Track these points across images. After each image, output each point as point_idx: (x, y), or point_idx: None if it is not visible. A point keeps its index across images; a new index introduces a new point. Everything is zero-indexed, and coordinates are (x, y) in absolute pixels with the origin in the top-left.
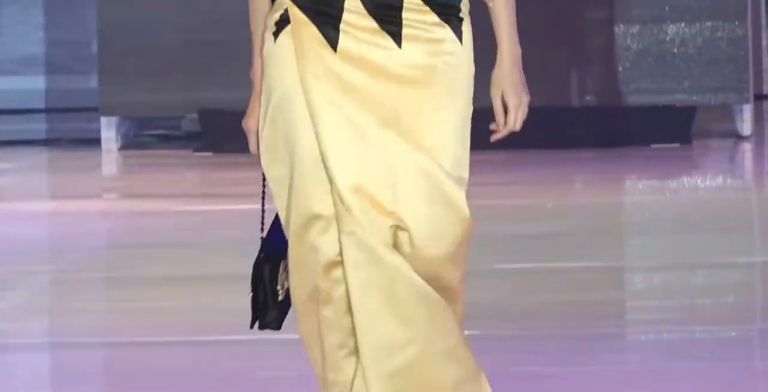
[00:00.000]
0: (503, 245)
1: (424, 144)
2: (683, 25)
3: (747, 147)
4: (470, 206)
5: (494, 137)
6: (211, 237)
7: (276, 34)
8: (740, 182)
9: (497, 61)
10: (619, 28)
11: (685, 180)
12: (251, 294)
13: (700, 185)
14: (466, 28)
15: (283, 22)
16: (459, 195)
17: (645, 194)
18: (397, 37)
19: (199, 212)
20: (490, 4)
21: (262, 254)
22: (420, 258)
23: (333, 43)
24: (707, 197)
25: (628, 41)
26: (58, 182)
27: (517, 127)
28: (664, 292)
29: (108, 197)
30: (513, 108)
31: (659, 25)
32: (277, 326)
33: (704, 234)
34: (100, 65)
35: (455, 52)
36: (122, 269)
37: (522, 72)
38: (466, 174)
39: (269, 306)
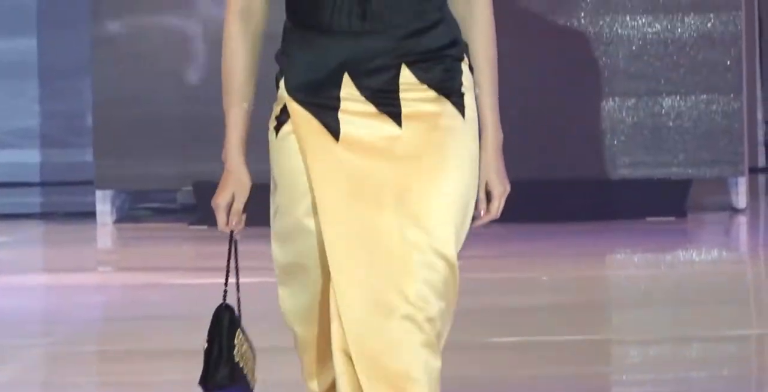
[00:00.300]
0: (495, 319)
1: (426, 224)
2: (678, 98)
3: (742, 220)
4: (461, 280)
5: (476, 224)
6: (206, 310)
7: (277, 129)
8: (735, 255)
9: (481, 147)
10: (615, 101)
11: (681, 253)
12: (206, 346)
13: (696, 259)
14: (470, 101)
15: (284, 115)
16: (455, 269)
17: (640, 267)
18: (397, 118)
19: (194, 286)
20: (476, 91)
21: (224, 304)
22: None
23: (335, 132)
24: (702, 270)
25: (623, 114)
26: (53, 256)
27: (499, 215)
28: (658, 365)
29: (103, 270)
30: (497, 197)
31: (654, 98)
32: (228, 383)
33: (699, 307)
34: (95, 138)
35: (456, 126)
36: (116, 343)
37: (503, 158)
38: (460, 245)
39: (222, 359)
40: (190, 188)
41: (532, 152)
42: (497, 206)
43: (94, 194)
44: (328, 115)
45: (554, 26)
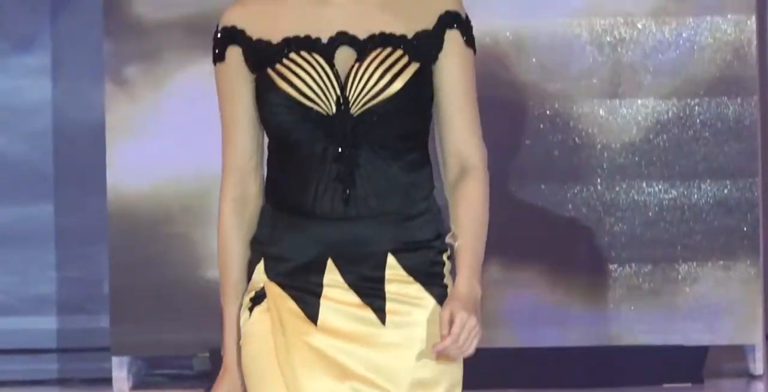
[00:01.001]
0: None
1: None
2: (695, 264)
3: (759, 387)
4: None
5: (435, 349)
6: None
7: (251, 309)
8: None
9: (451, 294)
10: (631, 267)
11: None
12: None
13: None
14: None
15: (259, 298)
16: None
17: None
18: (380, 313)
19: None
20: (455, 243)
21: None
22: None
23: (313, 317)
24: None
25: (640, 280)
26: None
27: (465, 347)
28: None
29: None
30: (459, 320)
31: (671, 265)
32: None
33: None
34: (112, 305)
35: (437, 329)
36: None
37: (479, 309)
38: None
39: None
40: (206, 354)
41: (545, 318)
42: (458, 329)
43: (110, 360)
44: (308, 300)
45: (570, 193)
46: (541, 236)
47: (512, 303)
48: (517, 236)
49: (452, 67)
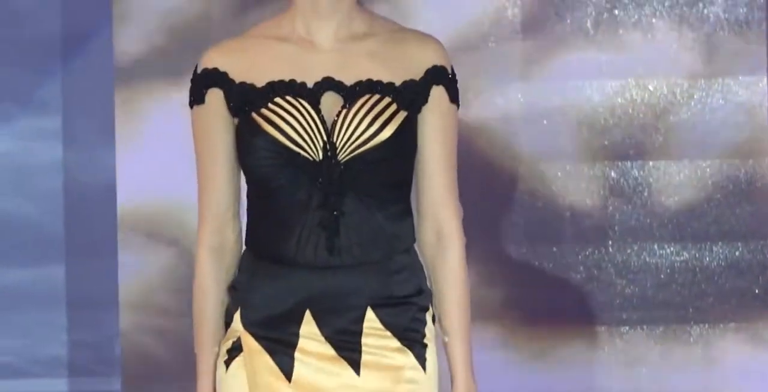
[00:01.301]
0: None
1: None
2: (707, 326)
3: None
4: None
5: None
6: None
7: (228, 363)
8: None
9: None
10: (643, 330)
11: None
12: None
13: None
14: (431, 355)
15: (235, 350)
16: None
17: None
18: (355, 365)
19: None
20: (445, 339)
21: None
22: None
23: (287, 373)
24: None
25: (652, 342)
26: None
27: None
28: None
29: None
30: None
31: (683, 327)
32: None
33: None
34: (123, 367)
35: (417, 381)
36: None
37: None
38: None
39: None
40: None
41: (553, 380)
42: None
43: None
44: (283, 352)
45: (582, 255)
46: (552, 298)
47: (521, 364)
48: (528, 297)
49: (434, 124)
